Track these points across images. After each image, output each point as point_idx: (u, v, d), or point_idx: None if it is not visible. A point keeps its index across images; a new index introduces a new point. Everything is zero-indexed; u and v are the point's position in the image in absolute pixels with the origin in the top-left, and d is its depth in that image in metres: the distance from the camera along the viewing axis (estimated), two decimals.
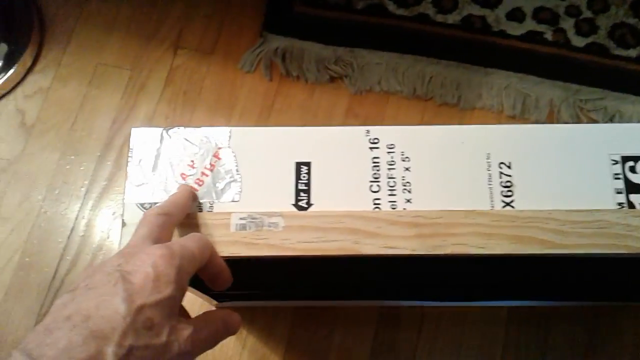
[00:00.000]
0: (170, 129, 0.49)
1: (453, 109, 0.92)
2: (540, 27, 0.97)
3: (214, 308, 0.82)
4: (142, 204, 0.46)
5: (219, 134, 0.48)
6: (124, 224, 0.46)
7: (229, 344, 0.81)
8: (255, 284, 0.67)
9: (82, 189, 0.88)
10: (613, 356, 0.81)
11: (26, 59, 0.94)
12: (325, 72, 0.93)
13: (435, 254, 0.44)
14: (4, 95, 0.93)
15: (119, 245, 0.45)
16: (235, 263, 0.52)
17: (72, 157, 0.90)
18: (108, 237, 0.86)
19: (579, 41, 0.96)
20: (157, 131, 0.48)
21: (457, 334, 0.82)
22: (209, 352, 0.78)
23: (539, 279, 0.69)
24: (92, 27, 0.96)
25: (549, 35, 0.96)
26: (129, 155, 0.48)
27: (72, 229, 0.86)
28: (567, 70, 0.95)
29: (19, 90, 0.94)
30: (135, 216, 0.46)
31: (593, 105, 0.92)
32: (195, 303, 0.82)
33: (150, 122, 0.91)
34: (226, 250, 0.44)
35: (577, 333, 0.82)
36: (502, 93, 0.93)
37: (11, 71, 0.93)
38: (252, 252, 0.44)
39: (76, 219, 0.87)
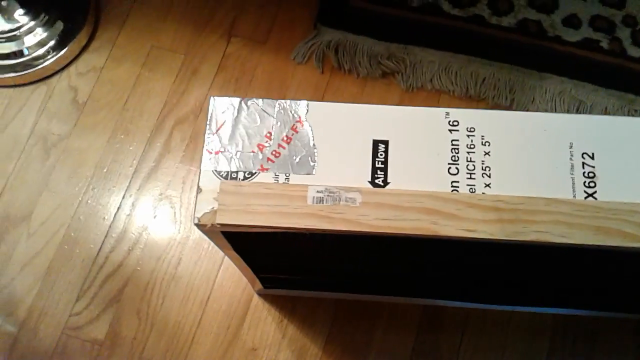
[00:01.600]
0: (248, 99, 0.48)
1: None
2: (597, 35, 0.96)
3: (255, 295, 0.81)
4: (218, 172, 0.46)
5: (297, 107, 0.48)
6: (199, 190, 0.45)
7: (270, 331, 0.80)
8: (307, 269, 0.66)
9: (131, 168, 0.88)
10: None
11: (81, 37, 0.95)
12: (377, 67, 0.93)
13: (515, 240, 0.43)
14: (57, 72, 0.94)
15: (194, 211, 0.45)
16: (297, 242, 0.51)
17: (122, 136, 0.90)
18: (155, 217, 0.86)
19: (635, 51, 0.95)
20: (235, 100, 0.48)
21: (501, 339, 0.80)
22: (249, 337, 0.78)
23: (592, 287, 0.67)
24: (148, 10, 0.97)
25: (605, 44, 0.95)
26: (207, 122, 0.48)
27: (119, 208, 0.87)
28: (623, 80, 0.93)
29: (73, 68, 0.94)
30: (211, 183, 0.45)
31: None
32: (238, 287, 0.82)
33: (201, 108, 0.91)
34: (302, 222, 0.44)
35: (624, 346, 0.80)
36: (556, 98, 0.91)
37: (66, 49, 0.94)
38: (329, 226, 0.44)
39: (123, 197, 0.87)
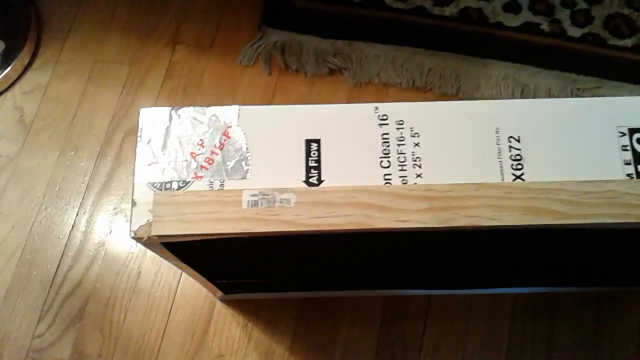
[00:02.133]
0: (179, 108, 0.48)
1: (452, 100, 0.92)
2: (537, 18, 0.98)
3: (218, 301, 0.81)
4: (152, 183, 0.46)
5: (228, 113, 0.48)
6: (134, 204, 0.45)
7: (235, 336, 0.80)
8: (261, 272, 0.67)
9: (83, 184, 0.88)
10: (620, 341, 0.81)
11: (23, 56, 0.94)
12: (324, 65, 0.94)
13: (447, 227, 0.44)
14: (1, 92, 0.93)
15: (130, 225, 0.45)
16: (241, 247, 0.52)
17: (72, 153, 0.89)
18: (110, 232, 0.85)
19: (575, 31, 0.97)
20: (165, 110, 0.48)
21: (463, 322, 0.82)
22: (215, 343, 0.78)
23: (543, 264, 0.69)
24: (90, 24, 0.96)
25: (545, 26, 0.97)
26: (139, 134, 0.48)
27: (74, 225, 0.86)
28: (564, 60, 0.95)
29: (17, 88, 0.93)
30: (145, 195, 0.45)
31: (590, 93, 0.93)
32: (200, 295, 0.82)
33: None
34: (238, 227, 0.44)
35: (583, 318, 0.82)
36: (501, 83, 0.93)
37: (8, 68, 0.93)
38: (265, 228, 0.44)
39: (77, 215, 0.86)
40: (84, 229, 0.86)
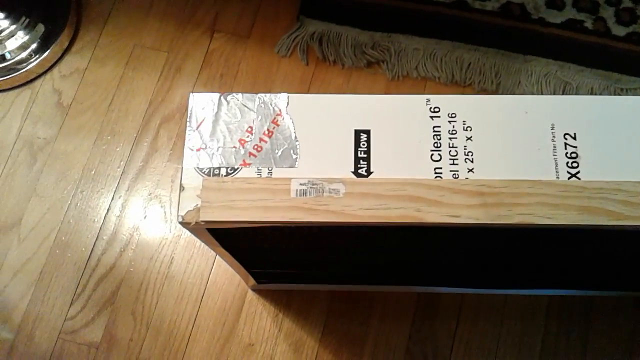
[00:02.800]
0: (228, 94, 0.48)
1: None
2: (580, 16, 0.95)
3: (250, 290, 0.81)
4: (200, 169, 0.46)
5: (277, 100, 0.48)
6: (182, 188, 0.45)
7: (266, 326, 0.80)
8: (298, 263, 0.66)
9: (119, 169, 0.88)
10: None
11: (63, 39, 0.94)
12: (362, 57, 0.93)
13: (499, 224, 0.43)
14: (40, 75, 0.93)
15: (178, 209, 0.45)
16: (283, 236, 0.51)
17: (109, 137, 0.90)
18: (145, 218, 0.86)
19: (619, 30, 0.95)
20: (214, 96, 0.48)
21: (496, 323, 0.80)
22: (245, 332, 0.78)
23: (582, 267, 0.68)
24: (129, 9, 0.96)
25: (589, 24, 0.95)
26: (188, 119, 0.47)
27: (109, 209, 0.86)
28: (608, 59, 0.93)
29: (56, 71, 0.94)
30: (193, 180, 0.45)
31: (634, 94, 0.91)
32: (232, 283, 0.82)
33: (186, 106, 0.91)
34: (286, 215, 0.44)
35: (619, 323, 0.80)
36: (542, 81, 0.91)
37: (48, 52, 0.93)
38: (313, 218, 0.44)
39: (112, 199, 0.87)
40: (118, 214, 0.86)
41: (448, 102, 0.47)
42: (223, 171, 0.46)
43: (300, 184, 0.45)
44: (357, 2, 0.96)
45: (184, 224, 0.45)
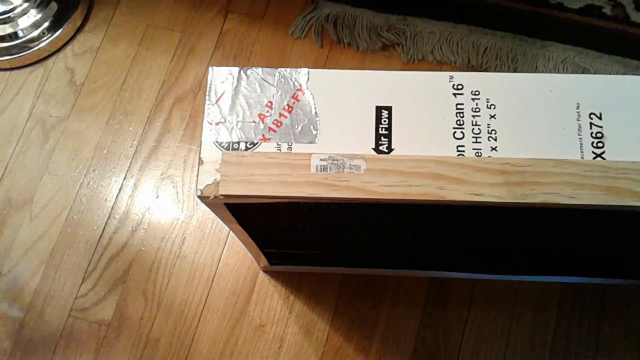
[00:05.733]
0: (248, 68, 0.47)
1: None
2: (599, 2, 0.94)
3: (261, 272, 0.81)
4: (220, 143, 0.45)
5: (297, 75, 0.47)
6: (201, 162, 0.45)
7: (277, 307, 0.80)
8: (312, 243, 0.66)
9: (131, 148, 0.88)
10: None
11: (76, 18, 0.94)
12: (377, 40, 0.92)
13: (523, 203, 0.43)
14: (53, 53, 0.93)
15: (196, 183, 0.44)
16: (300, 214, 0.51)
17: (121, 117, 0.89)
18: (157, 197, 0.85)
19: (637, 17, 0.93)
20: (234, 70, 0.47)
21: (508, 309, 0.80)
22: (256, 313, 0.78)
23: (600, 251, 0.67)
24: None
25: (607, 10, 0.94)
26: (207, 93, 0.47)
27: (121, 189, 0.86)
28: (626, 46, 0.92)
29: (69, 49, 0.93)
30: (212, 154, 0.45)
31: None
32: (243, 264, 0.81)
33: (199, 86, 0.90)
34: (306, 191, 0.43)
35: (632, 312, 0.79)
36: (559, 66, 0.90)
37: (61, 30, 0.93)
38: (333, 194, 0.43)
39: (125, 178, 0.86)
40: (130, 193, 0.86)
41: (472, 79, 0.47)
42: (242, 145, 0.45)
43: (321, 160, 0.44)
44: None
45: (203, 198, 0.44)
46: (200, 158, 0.45)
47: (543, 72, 0.90)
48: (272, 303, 0.81)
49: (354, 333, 0.80)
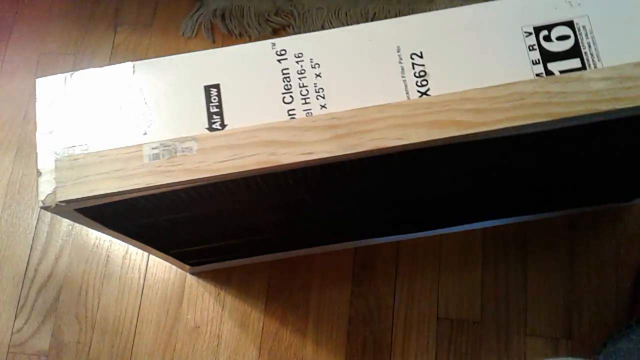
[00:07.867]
0: (73, 73, 0.47)
1: None
2: None
3: (188, 275, 0.81)
4: (54, 151, 0.45)
5: (122, 71, 0.47)
6: (39, 173, 0.45)
7: (209, 306, 0.80)
8: (200, 235, 0.66)
9: None
10: (596, 261, 0.79)
11: None
12: (267, 26, 0.92)
13: (354, 153, 0.43)
14: None
15: (37, 196, 0.44)
16: (157, 209, 0.51)
17: (29, 148, 0.89)
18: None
19: None
20: (60, 78, 0.47)
21: (434, 263, 0.81)
22: (190, 316, 0.78)
23: (507, 194, 0.68)
24: (31, 19, 0.95)
25: None
26: (36, 104, 0.47)
27: (38, 219, 0.86)
28: None
29: None
30: (49, 164, 0.45)
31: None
32: (170, 271, 0.81)
33: None
34: (142, 181, 0.43)
35: (555, 244, 0.80)
36: None
37: None
38: (169, 180, 0.43)
39: (40, 209, 0.86)
40: (49, 221, 0.86)
41: (293, 43, 0.47)
42: (77, 149, 0.45)
43: (152, 148, 0.44)
44: None
45: (46, 209, 0.44)
46: (37, 170, 0.45)
47: None
48: (204, 303, 0.81)
49: (288, 316, 0.80)
